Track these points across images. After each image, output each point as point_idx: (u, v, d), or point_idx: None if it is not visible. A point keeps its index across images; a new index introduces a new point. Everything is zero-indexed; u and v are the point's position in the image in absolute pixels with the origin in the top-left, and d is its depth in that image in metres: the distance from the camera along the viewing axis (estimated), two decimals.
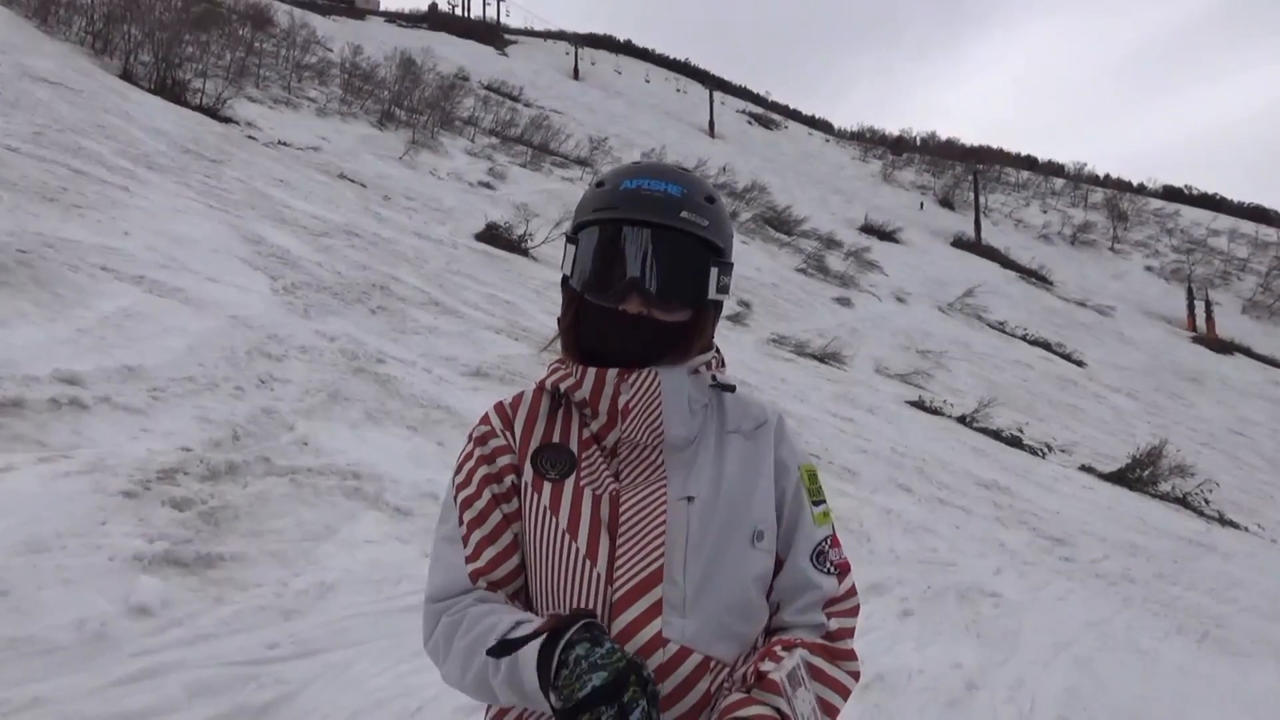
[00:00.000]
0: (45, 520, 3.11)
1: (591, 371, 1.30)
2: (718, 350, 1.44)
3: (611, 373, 1.29)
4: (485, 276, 10.53)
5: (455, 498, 1.35)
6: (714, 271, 1.33)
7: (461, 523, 1.32)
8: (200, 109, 14.51)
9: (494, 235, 13.31)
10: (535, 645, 1.12)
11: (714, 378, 1.38)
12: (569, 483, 1.30)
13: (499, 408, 1.40)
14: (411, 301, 7.96)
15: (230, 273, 6.75)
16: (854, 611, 1.39)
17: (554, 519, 1.28)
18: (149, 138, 10.75)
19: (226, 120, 14.72)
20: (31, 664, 2.54)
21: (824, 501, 1.42)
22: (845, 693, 1.29)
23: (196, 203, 8.48)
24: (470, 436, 1.39)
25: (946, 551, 6.45)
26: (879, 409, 11.55)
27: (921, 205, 39.03)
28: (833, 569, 1.38)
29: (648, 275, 1.28)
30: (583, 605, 1.24)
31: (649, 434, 1.30)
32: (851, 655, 1.33)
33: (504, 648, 1.13)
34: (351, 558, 3.63)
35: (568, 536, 1.26)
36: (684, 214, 1.30)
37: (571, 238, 1.37)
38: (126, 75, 14.40)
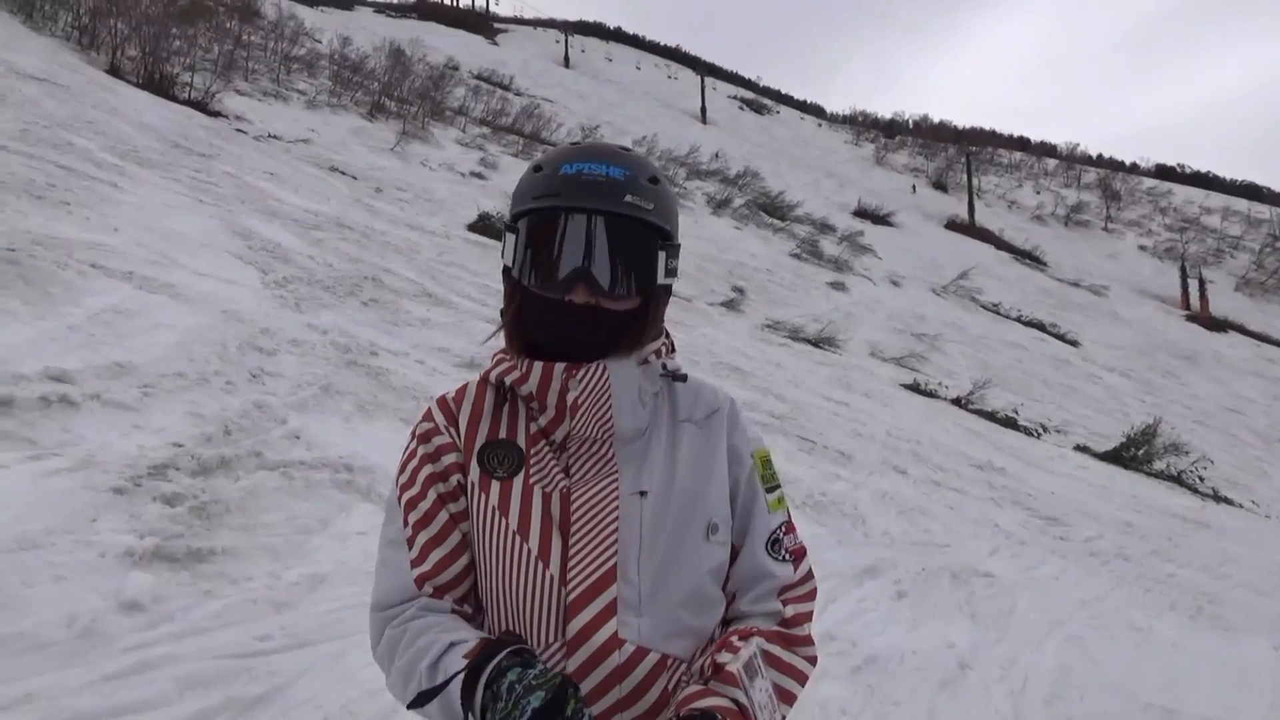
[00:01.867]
0: (35, 517, 3.11)
1: (539, 365, 1.25)
2: (668, 335, 1.39)
3: (559, 367, 1.24)
4: (478, 267, 10.51)
5: (400, 499, 1.29)
6: (662, 255, 1.28)
7: (406, 524, 1.27)
8: (189, 103, 14.45)
9: (486, 225, 13.28)
10: (458, 684, 1.08)
11: (664, 366, 1.35)
12: (518, 481, 1.25)
13: (442, 402, 1.35)
14: (404, 293, 7.95)
15: (221, 267, 6.73)
16: (810, 596, 1.37)
17: (504, 520, 1.24)
18: (137, 133, 10.70)
19: (215, 114, 14.66)
20: (23, 660, 2.55)
21: (778, 487, 1.40)
22: (802, 679, 1.27)
23: (186, 197, 8.45)
24: (413, 434, 1.34)
25: (941, 533, 6.47)
26: (874, 393, 11.57)
27: (914, 189, 38.88)
28: (788, 555, 1.35)
29: (594, 265, 1.23)
30: (536, 607, 1.21)
31: (599, 428, 1.26)
32: (808, 641, 1.31)
33: (422, 699, 1.11)
34: (343, 550, 3.63)
35: (518, 538, 1.22)
36: (628, 198, 1.24)
37: (511, 226, 1.30)
38: (113, 70, 14.32)
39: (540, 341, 1.28)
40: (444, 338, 7.07)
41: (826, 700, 3.64)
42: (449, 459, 1.30)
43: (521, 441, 1.29)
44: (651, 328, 1.31)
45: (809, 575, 1.38)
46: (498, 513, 1.25)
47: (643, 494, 1.25)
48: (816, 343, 14.03)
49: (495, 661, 1.06)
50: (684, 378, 1.38)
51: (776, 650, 1.26)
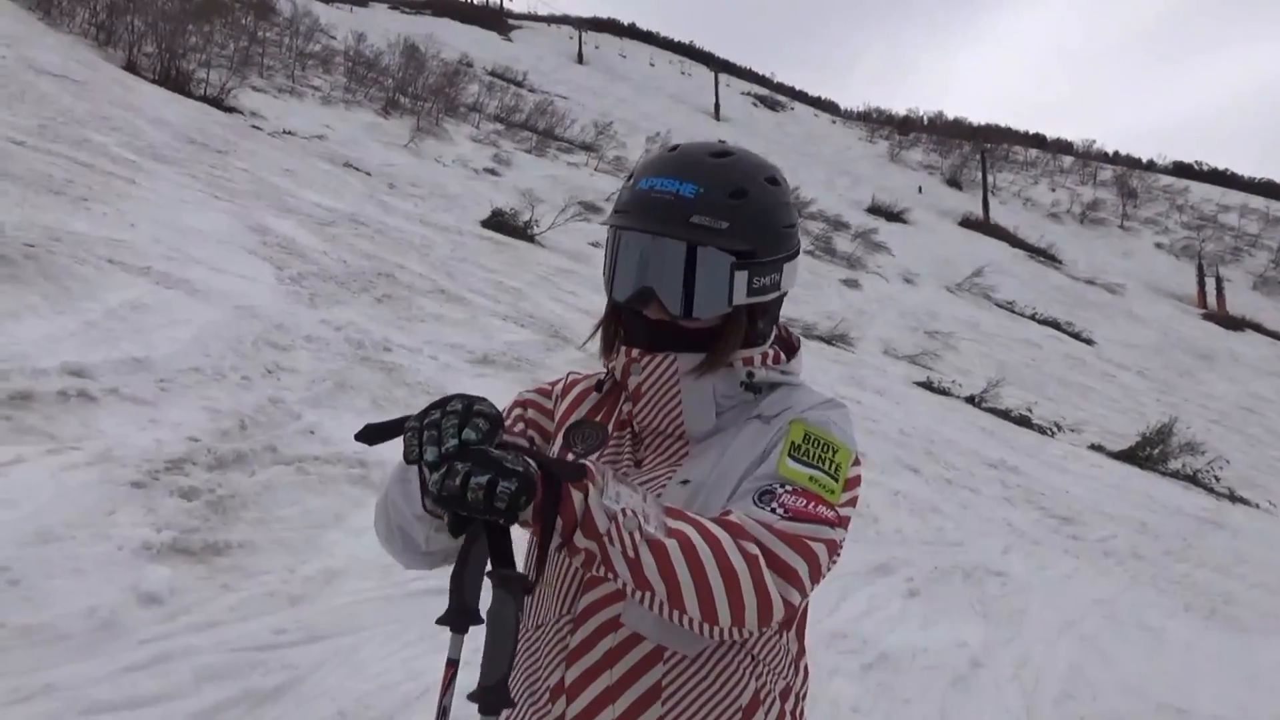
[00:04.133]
0: (55, 511, 3.15)
1: (623, 350, 1.27)
2: (786, 334, 1.36)
3: (635, 352, 1.25)
4: (491, 263, 10.54)
5: None
6: (741, 275, 1.21)
7: None
8: (205, 99, 14.53)
9: (500, 222, 13.32)
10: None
11: (749, 375, 1.27)
12: (588, 460, 1.24)
13: (569, 378, 1.42)
14: (417, 290, 7.98)
15: (236, 263, 6.77)
16: (798, 545, 1.08)
17: None
18: (154, 129, 10.77)
19: (231, 110, 14.74)
20: (43, 652, 2.58)
21: (815, 466, 1.16)
22: (708, 534, 1.05)
23: (202, 193, 8.50)
24: (531, 388, 1.44)
25: (953, 531, 6.46)
26: (887, 390, 11.54)
27: (920, 189, 38.54)
28: (780, 510, 1.11)
29: (659, 287, 1.21)
30: (558, 577, 1.23)
31: (667, 420, 1.25)
32: (744, 535, 1.07)
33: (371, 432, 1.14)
34: (358, 544, 3.66)
35: None
36: (695, 219, 1.19)
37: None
38: (130, 67, 14.42)
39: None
40: (457, 334, 7.10)
41: (838, 698, 3.65)
42: (538, 419, 1.38)
43: (612, 427, 1.32)
44: (733, 342, 1.25)
45: (810, 539, 1.10)
46: None
47: (685, 483, 1.22)
48: (829, 340, 14.00)
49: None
50: (759, 388, 1.28)
51: (684, 510, 1.11)
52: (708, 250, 1.20)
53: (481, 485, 0.96)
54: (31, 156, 7.27)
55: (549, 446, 1.36)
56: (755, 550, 1.06)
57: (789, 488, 1.13)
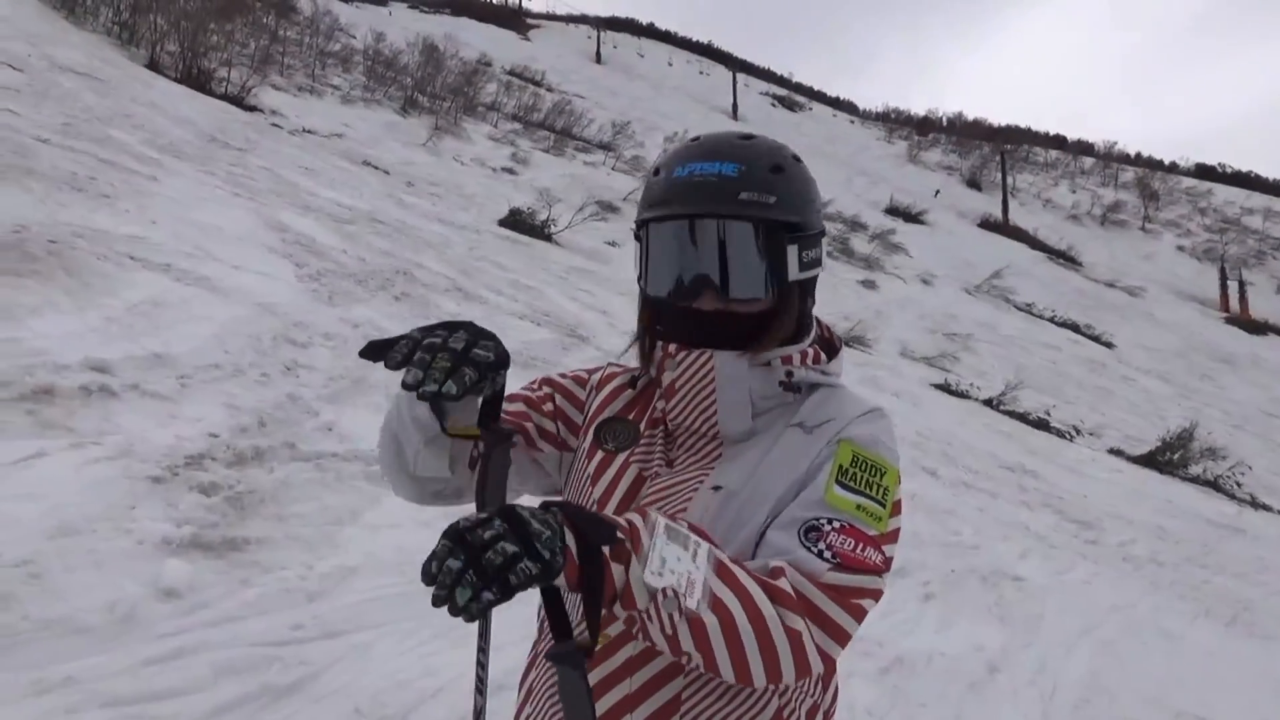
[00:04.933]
0: (76, 505, 3.18)
1: (659, 346, 1.25)
2: (828, 334, 1.34)
3: (671, 347, 1.22)
4: (508, 262, 10.56)
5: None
6: (793, 249, 1.20)
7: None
8: (226, 98, 14.62)
9: (517, 221, 13.34)
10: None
11: (788, 375, 1.23)
12: (620, 457, 1.26)
13: (608, 369, 1.40)
14: (435, 288, 8.01)
15: (256, 260, 6.81)
16: (846, 603, 1.06)
17: (590, 488, 1.25)
18: (175, 127, 10.85)
19: (251, 109, 14.83)
20: (64, 644, 2.61)
21: (863, 493, 1.13)
22: (753, 607, 1.00)
23: (222, 191, 8.56)
24: (568, 372, 1.41)
25: (970, 535, 6.42)
26: (904, 392, 11.49)
27: (937, 193, 38.18)
28: (828, 553, 1.07)
29: (716, 271, 1.18)
30: None
31: (701, 420, 1.22)
32: (793, 605, 1.03)
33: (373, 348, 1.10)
34: (374, 541, 3.67)
35: (596, 507, 1.22)
36: (743, 195, 1.17)
37: (636, 234, 1.27)
38: (153, 65, 14.53)
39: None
40: None
41: (853, 701, 3.63)
42: (567, 409, 1.36)
43: (643, 425, 1.29)
44: (787, 323, 1.23)
45: (849, 593, 1.07)
46: (590, 481, 1.26)
47: (717, 489, 1.18)
48: (846, 341, 13.89)
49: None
50: (798, 388, 1.24)
51: (734, 567, 1.04)
52: (761, 225, 1.18)
53: (504, 554, 0.88)
54: (55, 154, 7.34)
55: (577, 440, 1.34)
56: (800, 626, 1.03)
57: (836, 523, 1.10)
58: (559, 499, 1.05)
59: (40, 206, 5.93)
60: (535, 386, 1.40)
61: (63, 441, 3.55)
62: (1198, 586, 6.62)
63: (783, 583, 1.05)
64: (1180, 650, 5.20)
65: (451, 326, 1.05)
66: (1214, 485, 11.20)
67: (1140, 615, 5.65)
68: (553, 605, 0.96)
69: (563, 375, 1.40)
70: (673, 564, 0.99)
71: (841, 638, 1.06)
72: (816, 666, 1.04)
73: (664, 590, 0.97)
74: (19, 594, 2.70)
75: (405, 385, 0.99)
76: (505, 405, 1.28)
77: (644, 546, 0.98)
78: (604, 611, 0.97)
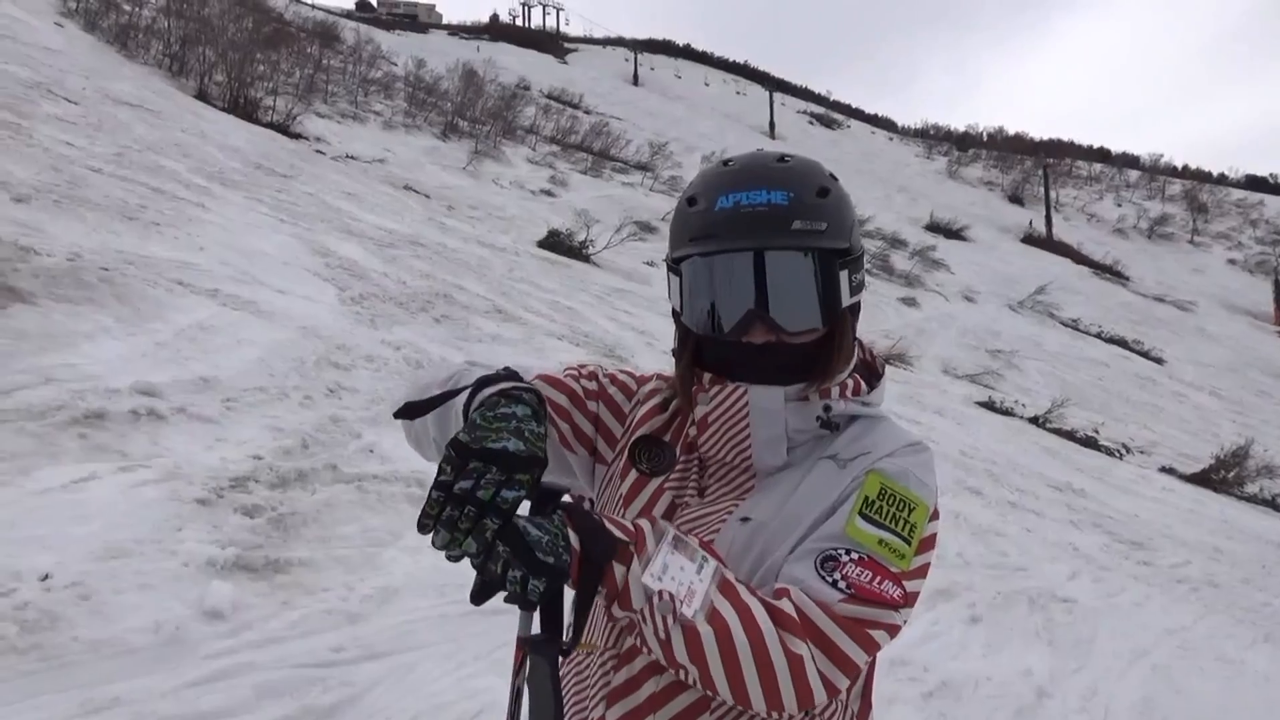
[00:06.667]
0: (125, 527, 3.24)
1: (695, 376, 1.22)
2: (871, 358, 1.29)
3: (706, 379, 1.18)
4: (547, 283, 10.64)
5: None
6: (844, 275, 1.16)
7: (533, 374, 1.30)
8: (271, 126, 14.98)
9: (556, 242, 13.45)
10: (478, 378, 1.11)
11: (826, 408, 1.18)
12: (654, 482, 1.22)
13: (654, 382, 1.33)
14: (475, 309, 8.08)
15: (300, 284, 6.94)
16: (857, 634, 1.03)
17: (623, 510, 1.22)
18: (223, 155, 11.12)
19: (296, 136, 15.16)
20: (111, 665, 2.65)
21: (887, 527, 1.09)
22: (752, 624, 0.99)
23: (268, 217, 8.74)
24: (619, 374, 1.35)
25: (1017, 556, 6.29)
26: (947, 410, 11.34)
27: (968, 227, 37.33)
28: (843, 584, 1.04)
29: (769, 305, 1.12)
30: None
31: (734, 453, 1.18)
32: (796, 629, 1.01)
33: (413, 408, 1.16)
34: (415, 563, 3.69)
35: None
36: (796, 224, 1.12)
37: (673, 268, 1.20)
38: (201, 95, 14.94)
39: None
40: (513, 354, 7.16)
41: None
42: (605, 414, 1.31)
43: (678, 449, 1.25)
44: (846, 351, 1.20)
45: (861, 624, 1.04)
46: (622, 502, 1.23)
47: (746, 520, 1.15)
48: (887, 359, 13.79)
49: (517, 387, 1.06)
50: (835, 424, 1.19)
51: (738, 585, 1.04)
52: (815, 254, 1.14)
53: (517, 580, 0.91)
54: (109, 183, 7.56)
55: (611, 451, 1.29)
56: (802, 650, 1.00)
57: (854, 555, 1.06)
58: (569, 502, 1.04)
59: (93, 235, 6.10)
60: (583, 374, 1.33)
61: (112, 464, 3.63)
62: (1256, 609, 6.42)
63: (786, 604, 1.03)
64: (1238, 675, 5.03)
65: (487, 459, 0.94)
66: (1271, 504, 10.88)
67: (1196, 639, 5.48)
68: (550, 600, 0.99)
69: (612, 379, 1.34)
70: (674, 571, 1.00)
71: (849, 668, 1.03)
72: (820, 696, 1.01)
73: (660, 593, 0.98)
74: (70, 615, 2.75)
75: (434, 546, 0.95)
76: (550, 394, 1.29)
77: (647, 549, 1.00)
78: (605, 612, 1.01)
